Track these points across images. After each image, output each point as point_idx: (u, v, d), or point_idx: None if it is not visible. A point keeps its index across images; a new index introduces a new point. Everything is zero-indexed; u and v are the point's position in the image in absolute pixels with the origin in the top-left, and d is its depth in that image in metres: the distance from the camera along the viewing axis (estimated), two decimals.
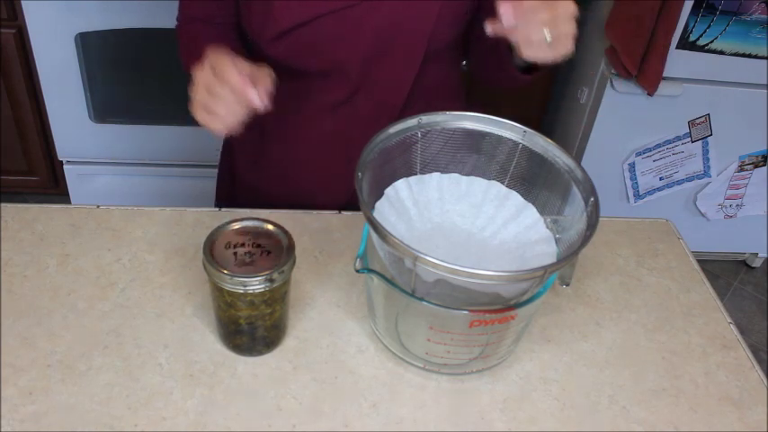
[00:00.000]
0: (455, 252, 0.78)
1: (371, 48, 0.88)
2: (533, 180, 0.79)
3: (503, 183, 0.81)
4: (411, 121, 0.77)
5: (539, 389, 0.77)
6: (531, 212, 0.79)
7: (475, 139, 0.79)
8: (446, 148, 0.80)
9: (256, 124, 1.02)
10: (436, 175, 0.81)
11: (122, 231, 0.91)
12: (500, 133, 0.79)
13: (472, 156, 0.80)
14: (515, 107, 1.46)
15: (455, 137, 0.80)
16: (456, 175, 0.81)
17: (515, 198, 0.80)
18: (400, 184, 0.79)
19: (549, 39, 0.70)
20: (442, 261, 0.61)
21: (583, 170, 0.74)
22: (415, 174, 0.80)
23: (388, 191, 0.78)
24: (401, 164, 0.79)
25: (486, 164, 0.81)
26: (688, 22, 1.66)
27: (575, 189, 0.74)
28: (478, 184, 0.81)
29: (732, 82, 1.80)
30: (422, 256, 0.62)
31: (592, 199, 0.72)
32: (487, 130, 0.79)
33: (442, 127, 0.79)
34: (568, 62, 2.40)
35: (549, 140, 0.77)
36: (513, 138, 0.79)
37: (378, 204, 0.76)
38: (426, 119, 0.78)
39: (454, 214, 0.81)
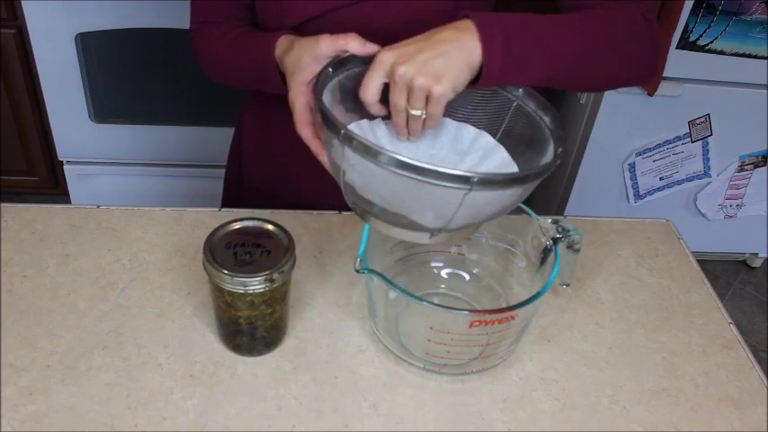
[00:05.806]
0: None
1: (382, 44, 0.88)
2: (520, 139, 0.75)
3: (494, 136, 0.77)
4: None
5: (539, 389, 0.77)
6: (512, 170, 0.74)
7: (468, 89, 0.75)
8: None
9: (264, 119, 1.02)
10: None
11: (122, 231, 0.91)
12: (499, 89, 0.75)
13: (463, 105, 0.76)
14: None
15: None
16: (446, 119, 0.76)
17: (501, 153, 0.76)
18: (377, 124, 0.75)
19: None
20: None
21: (560, 130, 0.70)
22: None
23: (362, 123, 0.74)
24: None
25: (478, 115, 0.77)
26: (688, 22, 1.66)
27: (551, 148, 0.71)
28: (468, 131, 0.77)
29: (732, 82, 1.80)
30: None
31: (560, 149, 0.68)
32: None
33: None
34: None
35: (542, 101, 0.73)
36: (509, 96, 0.75)
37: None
38: None
39: (436, 159, 0.76)
